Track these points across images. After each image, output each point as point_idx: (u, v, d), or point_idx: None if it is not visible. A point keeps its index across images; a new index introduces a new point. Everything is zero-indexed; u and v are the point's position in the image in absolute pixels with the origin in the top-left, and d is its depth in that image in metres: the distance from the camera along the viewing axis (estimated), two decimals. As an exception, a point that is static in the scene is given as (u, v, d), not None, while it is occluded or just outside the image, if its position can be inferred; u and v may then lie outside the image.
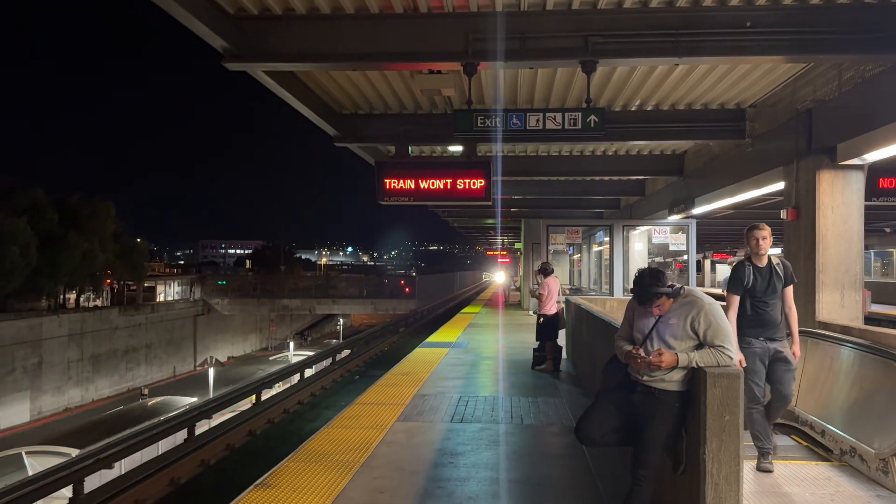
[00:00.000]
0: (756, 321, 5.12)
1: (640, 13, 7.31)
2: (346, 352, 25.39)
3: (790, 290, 5.22)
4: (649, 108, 11.10)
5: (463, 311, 26.57)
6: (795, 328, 5.25)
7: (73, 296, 36.45)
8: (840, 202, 8.22)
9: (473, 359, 12.00)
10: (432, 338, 15.88)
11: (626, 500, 3.77)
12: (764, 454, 5.10)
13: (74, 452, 11.94)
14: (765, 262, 5.17)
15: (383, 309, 48.98)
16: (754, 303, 5.13)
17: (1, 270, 27.94)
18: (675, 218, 15.71)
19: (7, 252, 27.99)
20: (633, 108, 11.12)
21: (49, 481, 9.03)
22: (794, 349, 5.19)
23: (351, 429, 6.79)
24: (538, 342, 10.82)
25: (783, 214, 8.96)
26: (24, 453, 14.06)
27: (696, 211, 14.43)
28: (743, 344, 5.08)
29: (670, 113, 11.16)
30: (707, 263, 46.23)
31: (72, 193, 35.49)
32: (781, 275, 5.15)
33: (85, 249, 32.94)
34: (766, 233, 5.16)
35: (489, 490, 4.96)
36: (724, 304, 8.98)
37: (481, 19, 7.48)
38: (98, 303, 38.41)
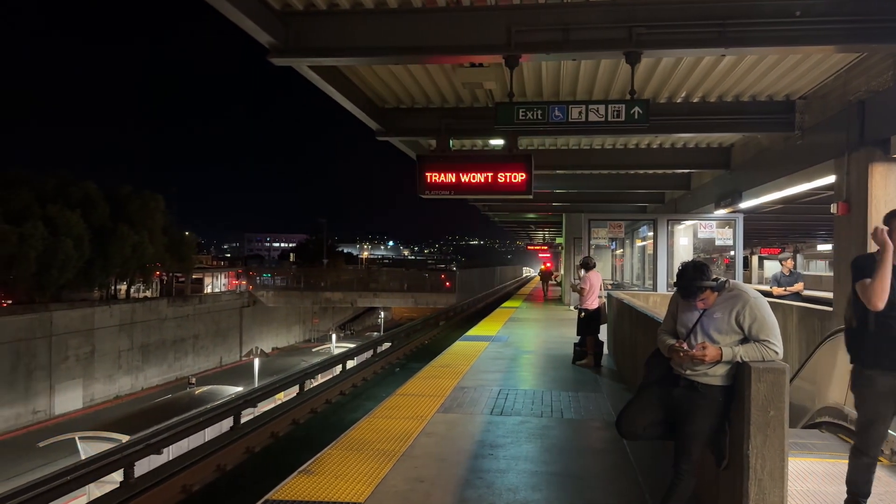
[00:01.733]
0: (885, 344, 3.72)
1: (685, 3, 7.19)
2: (387, 344, 25.60)
3: None
4: (695, 100, 10.90)
5: (503, 305, 26.54)
6: None
7: (123, 287, 37.55)
8: (893, 196, 7.95)
9: (514, 352, 11.99)
10: (472, 331, 15.91)
11: (668, 494, 3.75)
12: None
13: (125, 438, 12.32)
14: None
15: (424, 303, 49.24)
16: (882, 318, 3.72)
17: (56, 262, 28.94)
18: (721, 212, 15.40)
19: (62, 244, 28.99)
20: (678, 100, 10.94)
21: (101, 465, 9.35)
22: None
23: (392, 419, 6.87)
24: (579, 337, 10.76)
25: (833, 209, 8.72)
26: (77, 438, 14.58)
27: (744, 205, 14.13)
28: (862, 382, 3.84)
29: (717, 105, 10.94)
30: (755, 259, 45.24)
31: (122, 186, 36.48)
32: None
33: (135, 242, 33.91)
34: None
35: (529, 482, 4.98)
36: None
37: (523, 12, 7.45)
38: (147, 294, 39.53)
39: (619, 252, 22.86)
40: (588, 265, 10.81)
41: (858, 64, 8.80)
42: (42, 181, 31.93)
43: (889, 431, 5.13)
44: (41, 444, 15.95)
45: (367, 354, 23.07)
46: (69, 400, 29.22)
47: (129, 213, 34.80)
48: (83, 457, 12.47)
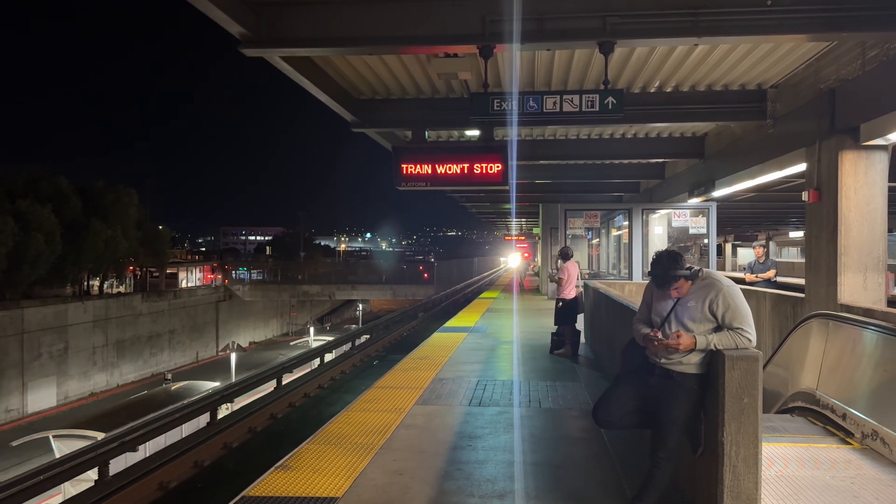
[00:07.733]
0: None
1: (659, -7, 7.21)
2: (366, 337, 25.53)
3: None
4: (669, 90, 10.96)
5: (481, 296, 26.60)
6: None
7: (96, 282, 36.99)
8: (863, 183, 8.08)
9: (492, 343, 12.02)
10: (451, 322, 15.92)
11: (645, 482, 3.78)
12: None
13: (100, 436, 12.15)
14: None
15: (402, 294, 49.22)
16: None
17: (27, 258, 28.40)
18: (695, 201, 15.54)
19: (32, 240, 28.44)
20: (652, 90, 10.99)
21: (76, 463, 9.20)
22: None
23: (370, 412, 6.84)
24: (557, 326, 10.80)
25: (805, 196, 8.84)
26: (51, 437, 14.36)
27: (717, 193, 14.28)
28: None
29: (691, 94, 11.02)
30: (728, 247, 45.80)
31: (95, 181, 35.89)
32: None
33: (108, 236, 33.39)
34: None
35: (507, 472, 4.98)
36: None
37: (497, 1, 7.42)
38: (121, 289, 38.99)
39: (595, 242, 22.99)
40: (566, 255, 10.84)
41: (829, 52, 8.90)
42: (12, 176, 31.29)
43: (859, 415, 5.23)
44: (14, 444, 15.66)
45: (346, 347, 22.99)
46: (43, 398, 28.78)
47: (102, 207, 34.25)
48: (57, 455, 12.28)
